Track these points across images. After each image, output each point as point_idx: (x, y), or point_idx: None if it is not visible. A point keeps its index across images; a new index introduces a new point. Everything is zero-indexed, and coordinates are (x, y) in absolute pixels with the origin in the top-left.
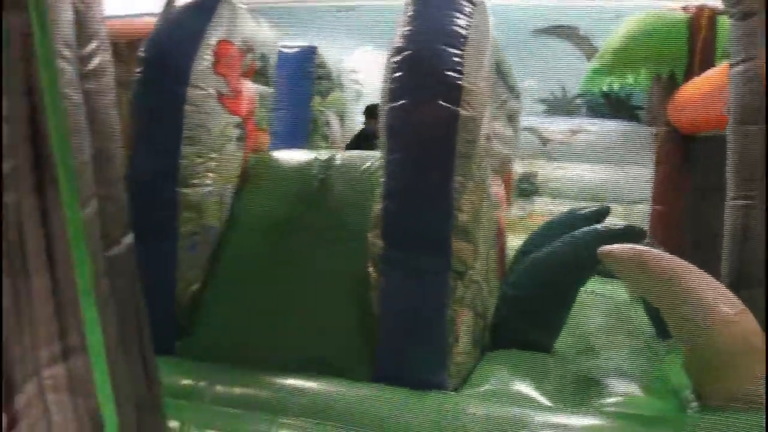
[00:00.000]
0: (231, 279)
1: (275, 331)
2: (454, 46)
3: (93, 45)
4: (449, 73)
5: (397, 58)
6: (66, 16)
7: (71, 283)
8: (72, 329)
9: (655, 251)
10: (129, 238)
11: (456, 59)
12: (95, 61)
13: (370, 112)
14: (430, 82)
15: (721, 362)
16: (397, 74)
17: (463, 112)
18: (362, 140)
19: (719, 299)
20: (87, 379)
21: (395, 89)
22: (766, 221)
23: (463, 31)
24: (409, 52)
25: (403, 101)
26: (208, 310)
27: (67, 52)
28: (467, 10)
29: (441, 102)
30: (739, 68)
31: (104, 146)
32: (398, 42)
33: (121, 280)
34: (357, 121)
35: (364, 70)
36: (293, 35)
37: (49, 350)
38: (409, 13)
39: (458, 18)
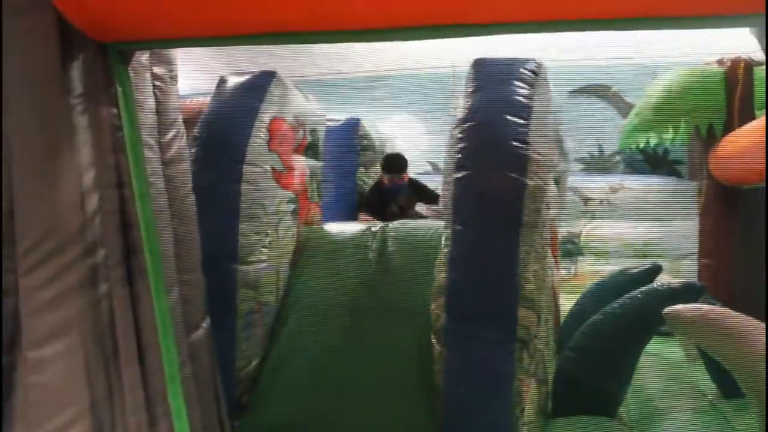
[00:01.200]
0: (289, 355)
1: (336, 408)
2: (518, 116)
3: (172, 133)
4: (515, 143)
5: (462, 128)
6: (149, 105)
7: (160, 372)
8: (161, 419)
9: (720, 309)
10: (207, 322)
11: (521, 129)
12: (174, 149)
13: (391, 164)
14: (496, 153)
15: None
16: (462, 145)
17: (530, 182)
18: (380, 196)
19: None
20: None
21: (460, 159)
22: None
23: (527, 101)
24: (474, 122)
25: (469, 172)
26: (267, 388)
27: (151, 141)
28: (530, 79)
29: (508, 173)
30: None
31: (185, 231)
32: (462, 112)
33: (202, 365)
34: None
35: (398, 137)
36: (333, 106)
37: None
38: (471, 83)
39: (521, 88)
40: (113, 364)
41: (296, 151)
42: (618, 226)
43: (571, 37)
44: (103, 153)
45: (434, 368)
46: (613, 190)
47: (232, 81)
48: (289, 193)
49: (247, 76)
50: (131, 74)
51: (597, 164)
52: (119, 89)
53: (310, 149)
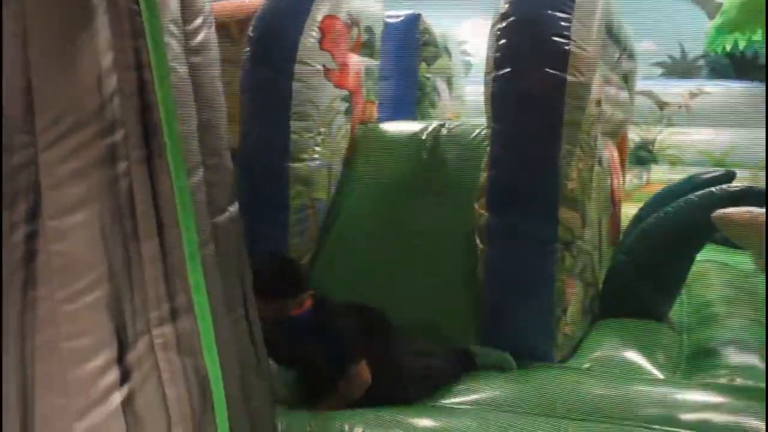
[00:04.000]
0: (341, 250)
1: (384, 298)
2: (561, 10)
3: (198, 21)
4: (556, 38)
5: (502, 24)
6: None
7: (179, 248)
8: (180, 292)
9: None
10: (234, 207)
11: (563, 23)
12: (200, 36)
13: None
14: (535, 49)
15: None
16: (502, 41)
17: (570, 78)
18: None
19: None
20: (194, 339)
21: (499, 57)
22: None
23: None
24: (514, 18)
25: (508, 69)
26: (319, 281)
27: (173, 28)
28: None
29: (547, 69)
30: None
31: (209, 117)
32: (503, 8)
33: (227, 247)
34: (466, 91)
35: (472, 41)
36: (401, 7)
37: (158, 311)
38: None
39: None
40: (132, 237)
41: (351, 49)
42: (696, 133)
43: None
44: (121, 37)
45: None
46: (692, 95)
47: None
48: (343, 92)
49: None
50: None
51: (679, 68)
52: None
53: (365, 48)
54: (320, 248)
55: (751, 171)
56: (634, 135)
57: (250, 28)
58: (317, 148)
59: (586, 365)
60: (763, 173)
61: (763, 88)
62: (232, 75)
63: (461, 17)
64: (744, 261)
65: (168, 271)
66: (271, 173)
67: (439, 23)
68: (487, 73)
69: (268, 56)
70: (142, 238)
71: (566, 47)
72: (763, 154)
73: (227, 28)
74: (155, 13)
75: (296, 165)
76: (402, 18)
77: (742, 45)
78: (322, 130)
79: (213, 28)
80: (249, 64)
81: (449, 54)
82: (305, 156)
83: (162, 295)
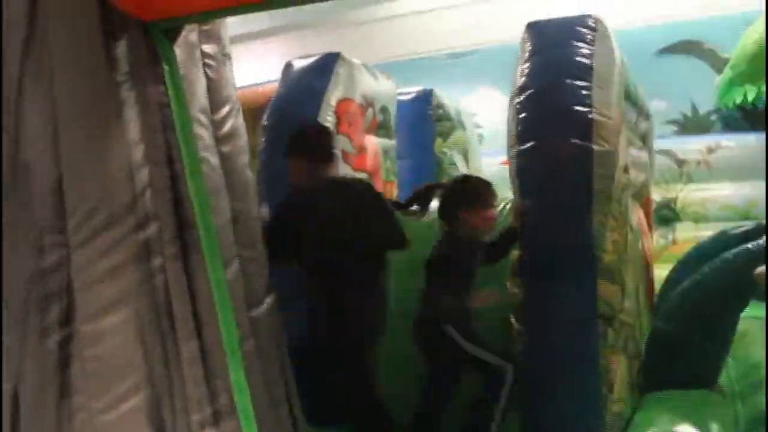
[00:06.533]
0: None
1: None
2: (580, 78)
3: (226, 109)
4: (578, 107)
5: (520, 98)
6: (200, 83)
7: (219, 346)
8: (221, 392)
9: None
10: (271, 298)
11: (584, 92)
12: (228, 125)
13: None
14: (558, 120)
15: None
16: (523, 115)
17: (597, 147)
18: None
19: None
20: None
21: (522, 131)
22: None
23: (588, 61)
24: (532, 90)
25: (532, 143)
26: None
27: (203, 118)
28: (589, 37)
29: (572, 140)
30: None
31: (242, 207)
32: (519, 81)
33: (266, 340)
34: (482, 162)
35: (481, 112)
36: (412, 86)
37: (200, 414)
38: (527, 49)
39: (580, 47)
40: (170, 337)
41: (367, 131)
42: (717, 188)
43: None
44: (151, 130)
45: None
46: (710, 151)
47: (298, 64)
48: (362, 174)
49: (312, 59)
50: (179, 53)
51: (692, 124)
52: (165, 67)
53: (381, 128)
54: None
55: None
56: (655, 195)
57: (264, 117)
58: None
59: None
60: None
61: None
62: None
63: (467, 90)
64: None
65: (209, 372)
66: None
67: (447, 96)
68: (510, 148)
69: (284, 144)
70: (182, 339)
71: (589, 116)
72: None
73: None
74: (184, 103)
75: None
76: (414, 95)
77: (751, 97)
78: None
79: (240, 115)
80: (265, 154)
81: (464, 127)
82: None
83: (204, 397)
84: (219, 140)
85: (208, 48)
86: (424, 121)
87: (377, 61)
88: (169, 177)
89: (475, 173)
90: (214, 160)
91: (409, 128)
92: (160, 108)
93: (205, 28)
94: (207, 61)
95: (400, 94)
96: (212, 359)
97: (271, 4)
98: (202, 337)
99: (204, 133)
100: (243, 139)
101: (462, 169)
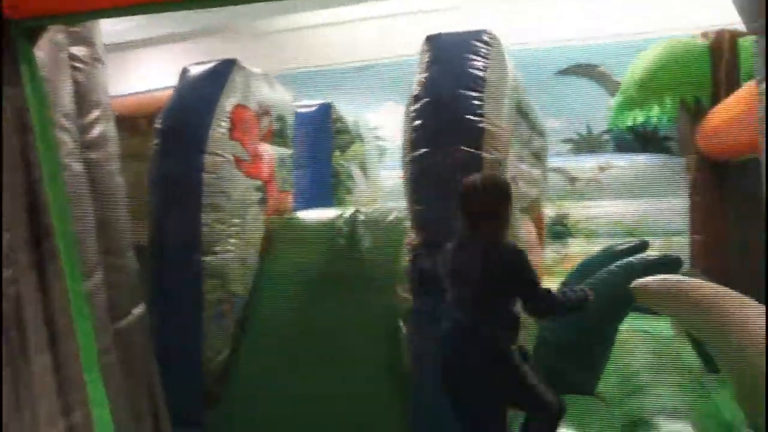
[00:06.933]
0: (260, 345)
1: (307, 395)
2: (472, 89)
3: (95, 114)
4: (469, 117)
5: (416, 106)
6: (65, 87)
7: (75, 359)
8: (76, 407)
9: (692, 280)
10: (140, 309)
11: (475, 102)
12: (97, 130)
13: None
14: (450, 128)
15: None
16: (417, 123)
17: (486, 155)
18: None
19: (761, 322)
20: None
21: (415, 138)
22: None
23: (481, 73)
24: (427, 99)
25: (425, 150)
26: (238, 377)
27: (66, 123)
28: (483, 51)
29: (463, 147)
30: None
31: (108, 215)
32: (415, 90)
33: (132, 353)
34: (381, 175)
35: (386, 126)
36: (315, 98)
37: (53, 429)
38: (425, 60)
39: (475, 60)
40: (19, 350)
41: (263, 139)
42: (607, 206)
43: (554, 13)
44: (6, 133)
45: (404, 351)
46: (601, 169)
47: (193, 70)
48: (256, 182)
49: (208, 65)
50: (43, 54)
51: (586, 144)
52: (24, 68)
53: (277, 137)
54: (238, 345)
55: (663, 239)
56: (549, 210)
57: (157, 121)
58: (231, 240)
59: None
60: (674, 240)
61: (665, 159)
62: (143, 169)
63: (374, 103)
64: (663, 327)
65: (63, 385)
66: (183, 268)
67: (351, 110)
68: (404, 155)
69: (176, 148)
70: (33, 352)
71: (480, 125)
72: (670, 222)
73: (136, 122)
74: (45, 106)
75: (209, 258)
76: (314, 107)
77: (641, 120)
78: (236, 221)
79: (112, 122)
80: (157, 157)
81: (362, 140)
82: (218, 249)
83: (56, 412)
84: (86, 146)
85: (77, 51)
86: (322, 134)
87: (284, 72)
88: (26, 182)
89: (373, 185)
90: (77, 166)
91: (307, 139)
92: (18, 111)
93: (75, 30)
94: (75, 64)
95: (301, 106)
96: (67, 372)
97: (136, 10)
98: (56, 349)
99: (67, 138)
100: (113, 146)
101: (360, 181)
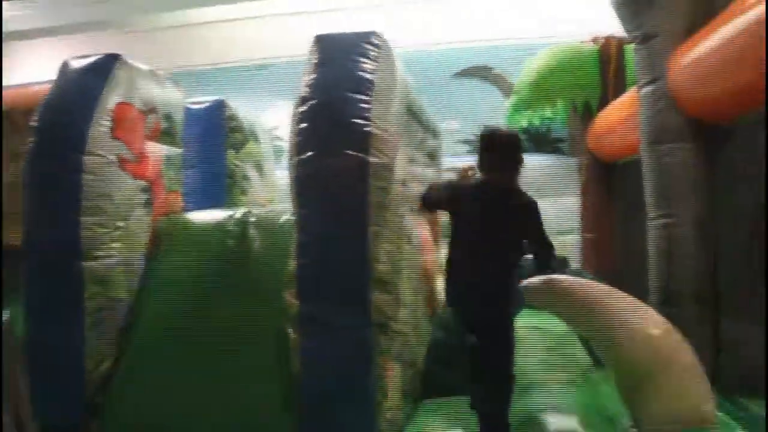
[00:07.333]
0: (145, 351)
1: (195, 404)
2: (359, 92)
3: None
4: (356, 120)
5: (303, 108)
6: None
7: None
8: None
9: (575, 279)
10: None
11: (363, 105)
12: None
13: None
14: (337, 132)
15: (647, 383)
16: (303, 125)
17: (373, 159)
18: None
19: (642, 319)
20: None
21: (301, 141)
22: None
23: (369, 76)
24: (314, 101)
25: (310, 153)
26: (123, 387)
27: None
28: (372, 53)
29: (349, 151)
30: (647, 89)
31: None
32: (303, 92)
33: None
34: (276, 174)
35: (284, 126)
36: (210, 96)
37: None
38: (313, 61)
39: (363, 63)
40: None
41: (149, 138)
42: None
43: (453, 16)
44: None
45: (293, 357)
46: None
47: (74, 64)
48: (142, 183)
49: (90, 59)
50: None
51: None
52: None
53: (165, 135)
54: (121, 352)
55: (554, 237)
56: None
57: (35, 117)
58: (114, 244)
59: None
60: (566, 238)
61: (557, 160)
62: (17, 168)
63: (272, 103)
64: (554, 324)
65: None
66: (60, 273)
67: (248, 109)
68: (290, 158)
69: (53, 147)
70: None
71: (367, 129)
72: (562, 222)
73: (11, 117)
74: None
75: (90, 264)
76: (206, 104)
77: (534, 122)
78: (120, 224)
79: None
80: (32, 156)
81: (257, 139)
82: (100, 253)
83: None
84: None
85: None
86: (215, 132)
87: (176, 69)
88: None
89: (269, 187)
90: None
91: (199, 138)
92: None
93: None
94: None
95: (192, 103)
96: None
97: None
98: None
99: None
100: None
101: (255, 181)
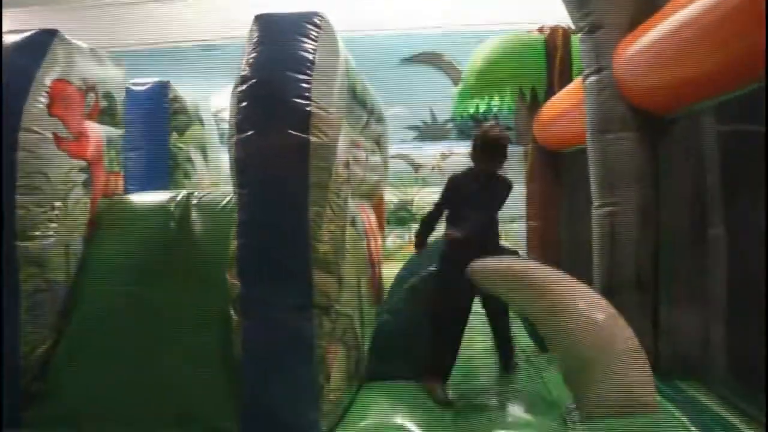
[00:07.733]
0: (84, 336)
1: (137, 389)
2: (300, 72)
3: None
4: (297, 99)
5: (242, 87)
6: None
7: None
8: None
9: (524, 262)
10: None
11: (303, 85)
12: None
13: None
14: (276, 111)
15: (591, 368)
16: (243, 104)
17: (313, 139)
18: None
19: (588, 305)
20: None
21: (241, 120)
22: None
23: (310, 56)
24: (254, 80)
25: (250, 132)
26: (61, 373)
27: None
28: (313, 33)
29: (290, 131)
30: (592, 79)
31: None
32: (243, 71)
33: None
34: (221, 158)
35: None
36: (154, 77)
37: None
38: (253, 40)
39: (304, 42)
40: None
41: (88, 117)
42: None
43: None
44: None
45: (234, 339)
46: (444, 157)
47: (7, 39)
48: (81, 162)
49: (24, 34)
50: None
51: (430, 132)
52: None
53: (105, 115)
54: (60, 336)
55: (500, 225)
56: (393, 196)
57: None
58: (51, 225)
59: None
60: (512, 226)
61: None
62: None
63: (219, 85)
64: None
65: None
66: None
67: (194, 91)
68: (229, 137)
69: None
70: None
71: (307, 108)
72: (509, 209)
73: None
74: None
75: (26, 244)
76: (149, 86)
77: (482, 109)
78: (57, 204)
79: None
80: None
81: (202, 122)
82: (37, 233)
83: None
84: None
85: None
86: (158, 114)
87: (124, 48)
88: None
89: (214, 170)
90: None
91: (141, 119)
92: None
93: None
94: None
95: (135, 84)
96: None
97: None
98: None
99: None
100: None
101: (199, 165)
